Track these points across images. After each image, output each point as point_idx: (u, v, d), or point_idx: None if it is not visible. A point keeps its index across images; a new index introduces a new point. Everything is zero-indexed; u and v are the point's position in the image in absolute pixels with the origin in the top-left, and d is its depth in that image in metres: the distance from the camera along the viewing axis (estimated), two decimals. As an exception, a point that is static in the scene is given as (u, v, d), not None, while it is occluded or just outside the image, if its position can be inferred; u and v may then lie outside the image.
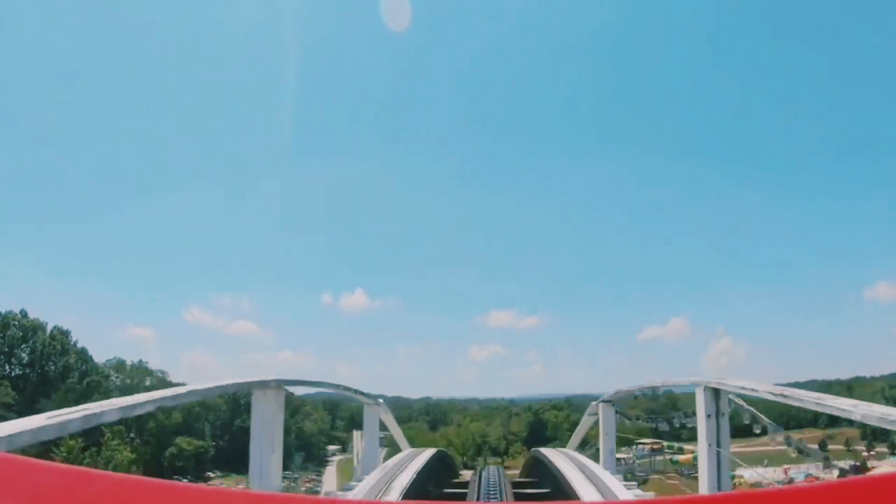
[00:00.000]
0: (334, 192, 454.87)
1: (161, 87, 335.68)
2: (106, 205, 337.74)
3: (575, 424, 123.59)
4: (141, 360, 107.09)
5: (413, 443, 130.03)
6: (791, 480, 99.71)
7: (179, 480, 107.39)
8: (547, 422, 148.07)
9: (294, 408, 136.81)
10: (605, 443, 14.76)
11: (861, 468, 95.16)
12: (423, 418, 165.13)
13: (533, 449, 17.95)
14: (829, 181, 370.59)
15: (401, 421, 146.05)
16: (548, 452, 14.75)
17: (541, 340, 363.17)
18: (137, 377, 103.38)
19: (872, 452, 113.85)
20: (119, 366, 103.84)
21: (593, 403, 16.89)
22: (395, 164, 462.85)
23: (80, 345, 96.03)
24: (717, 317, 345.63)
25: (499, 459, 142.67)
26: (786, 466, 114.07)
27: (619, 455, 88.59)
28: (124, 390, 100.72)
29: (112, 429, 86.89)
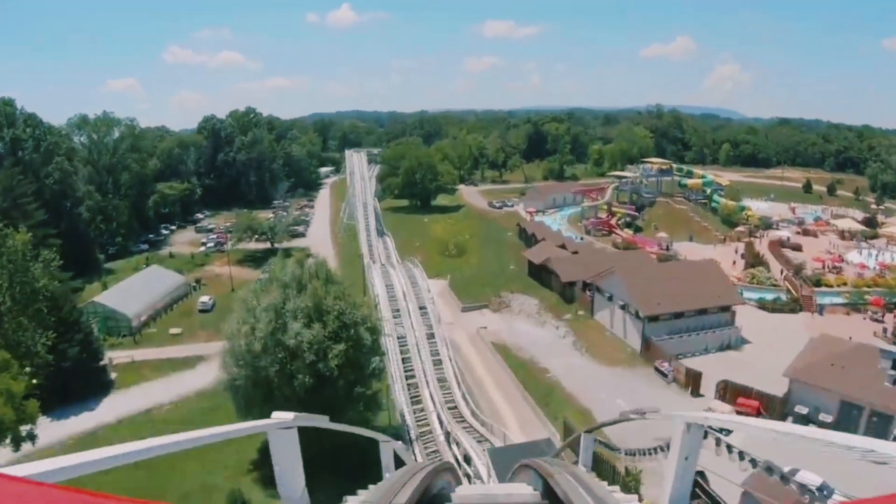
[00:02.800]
0: None
1: None
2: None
3: (576, 139, 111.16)
4: (105, 112, 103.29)
5: (403, 159, 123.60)
6: (801, 221, 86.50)
7: (167, 228, 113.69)
8: (547, 134, 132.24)
9: (280, 132, 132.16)
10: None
11: (871, 221, 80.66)
12: (418, 132, 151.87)
13: (526, 460, 11.73)
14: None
15: (394, 136, 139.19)
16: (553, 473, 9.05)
17: (539, 52, 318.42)
18: (103, 130, 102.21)
19: (882, 207, 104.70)
20: (81, 122, 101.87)
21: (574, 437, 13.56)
22: None
23: (28, 110, 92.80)
24: (726, 41, 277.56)
25: (497, 173, 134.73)
26: (793, 205, 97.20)
27: (625, 174, 78.73)
28: (92, 147, 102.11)
29: (83, 190, 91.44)
